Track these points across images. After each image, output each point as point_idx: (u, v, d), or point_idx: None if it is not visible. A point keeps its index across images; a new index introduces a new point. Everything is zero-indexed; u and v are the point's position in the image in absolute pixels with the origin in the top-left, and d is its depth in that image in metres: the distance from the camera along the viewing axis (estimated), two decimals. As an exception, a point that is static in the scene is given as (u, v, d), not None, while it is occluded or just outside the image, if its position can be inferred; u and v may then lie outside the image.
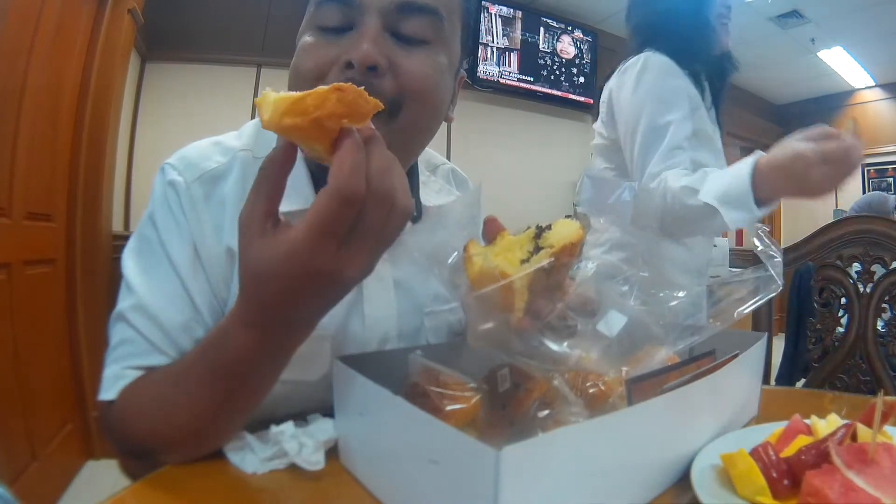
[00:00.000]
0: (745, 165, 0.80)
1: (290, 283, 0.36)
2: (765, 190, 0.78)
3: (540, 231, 0.41)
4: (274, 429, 0.47)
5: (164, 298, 0.52)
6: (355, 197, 0.34)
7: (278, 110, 0.33)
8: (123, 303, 0.53)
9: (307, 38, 0.51)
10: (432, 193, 0.68)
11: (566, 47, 3.75)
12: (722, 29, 1.12)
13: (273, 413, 0.52)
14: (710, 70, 1.12)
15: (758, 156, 0.78)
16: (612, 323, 0.43)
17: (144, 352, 0.51)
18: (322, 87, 0.34)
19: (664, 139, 0.96)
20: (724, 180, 0.83)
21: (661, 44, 1.07)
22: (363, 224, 0.35)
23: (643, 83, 1.04)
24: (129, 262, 0.54)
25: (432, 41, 0.52)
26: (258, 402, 0.45)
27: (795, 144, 0.74)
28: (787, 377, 1.93)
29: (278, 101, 0.33)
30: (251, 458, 0.45)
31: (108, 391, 0.50)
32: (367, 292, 0.59)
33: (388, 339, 0.61)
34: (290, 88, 0.51)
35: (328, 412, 0.49)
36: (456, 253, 0.41)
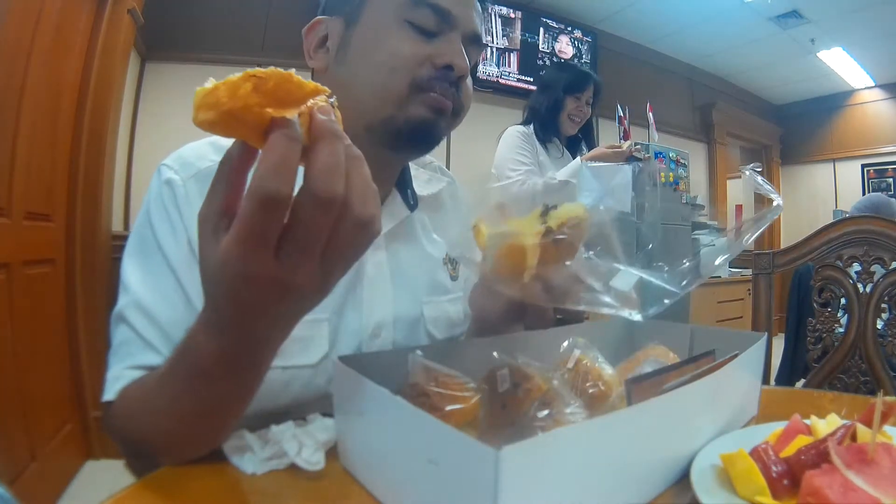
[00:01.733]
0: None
1: (232, 290, 0.33)
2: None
3: (546, 209, 0.42)
4: (274, 429, 0.47)
5: (160, 296, 0.52)
6: (275, 199, 0.29)
7: (194, 104, 0.29)
8: (121, 301, 0.54)
9: (397, 30, 0.55)
10: (423, 183, 0.70)
11: (565, 47, 3.74)
12: (568, 122, 1.95)
13: (275, 401, 0.53)
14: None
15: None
16: (625, 280, 0.44)
17: (142, 351, 0.51)
18: (234, 76, 0.29)
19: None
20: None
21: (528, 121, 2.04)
22: (301, 231, 0.31)
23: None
24: (127, 262, 0.55)
25: (473, 70, 0.61)
26: (240, 406, 0.43)
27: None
28: (786, 377, 1.93)
29: (196, 94, 0.29)
30: (251, 458, 0.45)
31: (108, 392, 0.50)
32: (366, 278, 0.60)
33: (384, 325, 0.61)
34: (374, 75, 0.55)
35: (328, 411, 0.49)
36: (463, 229, 0.44)
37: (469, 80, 0.59)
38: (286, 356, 0.49)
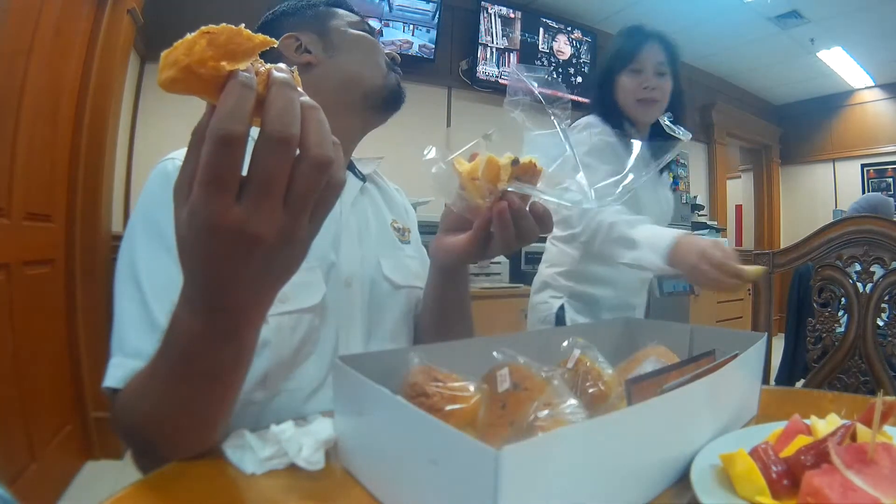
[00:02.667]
0: (666, 238, 0.95)
1: (198, 246, 0.33)
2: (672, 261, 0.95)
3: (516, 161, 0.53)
4: (274, 428, 0.47)
5: (165, 287, 0.54)
6: (230, 138, 0.30)
7: (159, 67, 0.31)
8: (125, 290, 0.57)
9: (363, 37, 0.78)
10: (361, 165, 0.85)
11: (565, 48, 3.75)
12: (638, 107, 1.23)
13: (288, 347, 0.62)
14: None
15: (679, 237, 0.94)
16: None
17: (139, 336, 0.53)
18: (191, 34, 0.31)
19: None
20: (647, 240, 1.00)
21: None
22: (259, 172, 0.32)
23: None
24: (126, 244, 0.59)
25: None
26: (228, 391, 0.43)
27: (701, 261, 0.87)
28: (786, 377, 1.94)
29: (161, 57, 0.31)
30: (250, 457, 0.45)
31: (108, 378, 0.52)
32: (343, 236, 0.72)
33: (353, 276, 0.71)
34: (368, 58, 0.77)
35: (328, 412, 0.49)
36: (438, 166, 0.57)
37: None
38: (291, 302, 0.62)
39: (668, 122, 0.74)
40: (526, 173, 0.53)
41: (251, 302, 0.38)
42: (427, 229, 0.85)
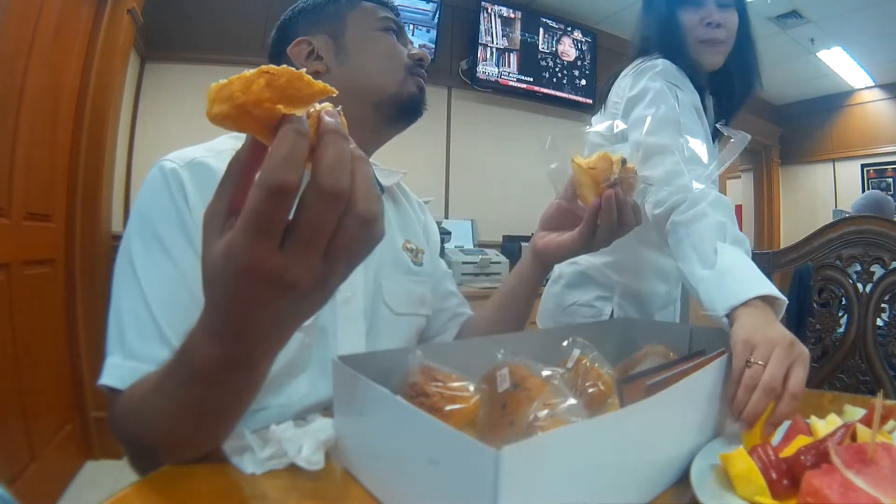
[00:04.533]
0: (745, 291, 0.68)
1: (232, 285, 0.33)
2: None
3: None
4: (274, 428, 0.47)
5: (156, 282, 0.55)
6: (283, 189, 0.30)
7: (209, 99, 0.30)
8: (124, 290, 0.57)
9: (383, 34, 0.73)
10: (384, 176, 0.81)
11: (565, 48, 3.75)
12: (704, 49, 1.01)
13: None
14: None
15: (755, 304, 0.67)
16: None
17: (140, 340, 0.54)
18: (249, 71, 0.30)
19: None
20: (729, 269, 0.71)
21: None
22: (306, 223, 0.31)
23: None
24: (124, 251, 0.59)
25: None
26: (238, 410, 0.43)
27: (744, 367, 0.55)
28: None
29: (211, 89, 0.30)
30: (250, 457, 0.45)
31: (105, 377, 0.52)
32: None
33: (354, 293, 0.69)
34: (383, 64, 0.72)
35: (328, 413, 0.49)
36: (555, 164, 0.73)
37: None
38: None
39: (724, 127, 0.79)
40: (628, 172, 0.64)
41: (273, 338, 0.38)
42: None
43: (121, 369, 0.52)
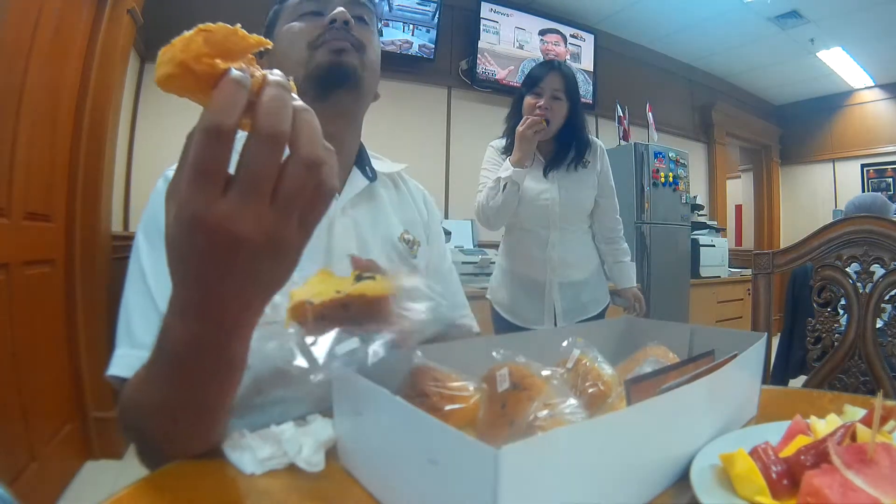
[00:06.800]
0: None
1: (184, 244, 0.32)
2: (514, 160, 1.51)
3: (360, 277, 0.48)
4: (274, 428, 0.47)
5: (166, 284, 0.55)
6: (218, 130, 0.30)
7: (157, 64, 0.31)
8: (133, 286, 0.59)
9: (290, 24, 0.69)
10: (384, 164, 0.82)
11: (565, 48, 3.74)
12: None
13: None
14: None
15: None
16: (345, 346, 0.45)
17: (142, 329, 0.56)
18: (188, 31, 0.31)
19: None
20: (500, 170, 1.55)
21: None
22: (246, 167, 0.31)
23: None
24: (135, 250, 0.61)
25: (370, 25, 0.74)
26: (220, 399, 0.42)
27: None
28: (781, 376, 1.95)
29: (159, 54, 0.31)
30: (250, 457, 0.45)
31: (112, 367, 0.55)
32: (334, 240, 0.69)
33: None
34: (284, 60, 0.68)
35: (327, 413, 0.49)
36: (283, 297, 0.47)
37: (366, 31, 0.72)
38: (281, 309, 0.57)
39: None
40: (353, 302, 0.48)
41: (237, 309, 0.36)
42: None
43: (128, 359, 0.54)
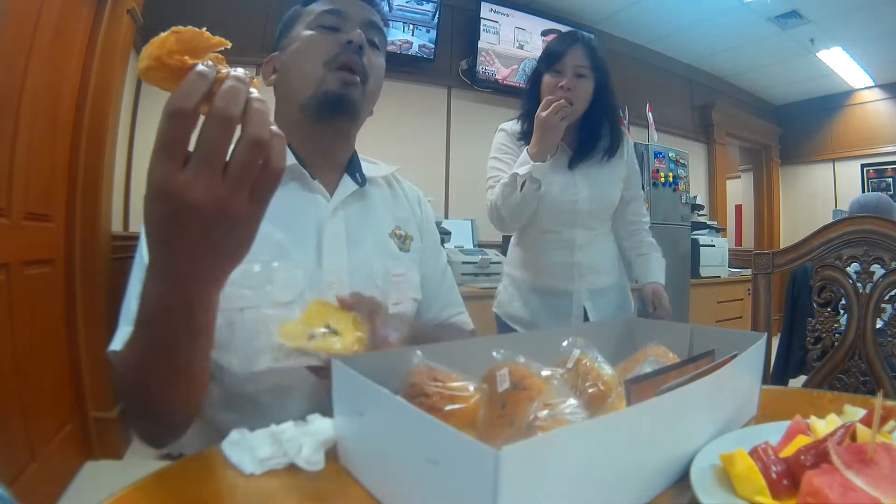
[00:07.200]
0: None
1: (152, 211, 0.38)
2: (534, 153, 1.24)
3: (330, 331, 0.54)
4: (274, 428, 0.47)
5: None
6: (179, 112, 0.35)
7: (140, 58, 0.37)
8: (135, 271, 0.62)
9: (309, 32, 0.74)
10: (373, 169, 0.85)
11: (566, 47, 3.74)
12: None
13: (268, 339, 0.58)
14: None
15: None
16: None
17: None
18: (163, 33, 0.37)
19: None
20: (516, 163, 1.28)
21: None
22: (203, 145, 0.36)
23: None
24: (140, 239, 0.63)
25: (380, 48, 0.80)
26: (194, 363, 0.46)
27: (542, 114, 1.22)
28: (780, 376, 1.95)
29: (142, 51, 0.37)
30: (249, 457, 0.45)
31: (114, 342, 0.58)
32: (325, 239, 0.72)
33: (340, 277, 0.71)
34: (298, 69, 0.74)
35: (327, 413, 0.49)
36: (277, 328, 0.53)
37: (375, 56, 0.78)
38: (274, 294, 0.63)
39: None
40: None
41: (197, 275, 0.41)
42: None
43: (125, 334, 0.57)
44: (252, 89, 0.38)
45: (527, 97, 1.41)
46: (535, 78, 1.38)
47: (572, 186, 1.35)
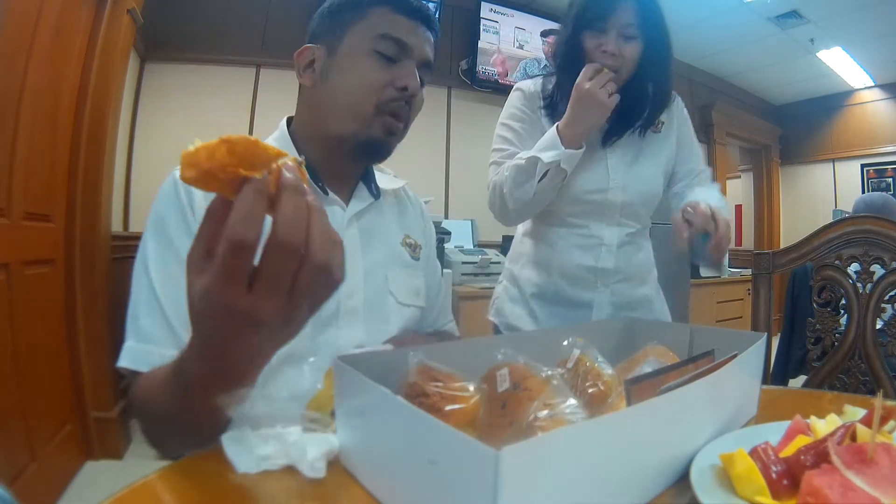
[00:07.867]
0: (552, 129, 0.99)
1: (211, 321, 0.38)
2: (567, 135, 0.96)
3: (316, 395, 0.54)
4: (280, 429, 0.47)
5: (170, 284, 0.62)
6: (243, 244, 0.34)
7: (181, 163, 0.35)
8: (139, 282, 0.64)
9: (367, 59, 0.70)
10: (387, 181, 0.85)
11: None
12: None
13: None
14: None
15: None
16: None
17: (151, 323, 0.61)
18: (212, 141, 0.35)
19: None
20: (539, 142, 1.00)
21: None
22: (267, 271, 0.36)
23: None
24: (141, 247, 0.65)
25: (424, 84, 0.76)
26: (224, 418, 0.46)
27: (583, 87, 0.94)
28: (780, 376, 1.95)
29: (182, 154, 0.35)
30: (247, 455, 0.44)
31: (122, 359, 0.60)
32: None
33: (356, 287, 0.73)
34: (346, 100, 0.70)
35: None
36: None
37: (420, 96, 0.75)
38: None
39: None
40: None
41: (249, 365, 0.43)
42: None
43: (135, 352, 0.60)
44: (306, 188, 0.37)
45: (562, 55, 1.07)
46: (570, 38, 1.04)
47: (603, 171, 1.05)
